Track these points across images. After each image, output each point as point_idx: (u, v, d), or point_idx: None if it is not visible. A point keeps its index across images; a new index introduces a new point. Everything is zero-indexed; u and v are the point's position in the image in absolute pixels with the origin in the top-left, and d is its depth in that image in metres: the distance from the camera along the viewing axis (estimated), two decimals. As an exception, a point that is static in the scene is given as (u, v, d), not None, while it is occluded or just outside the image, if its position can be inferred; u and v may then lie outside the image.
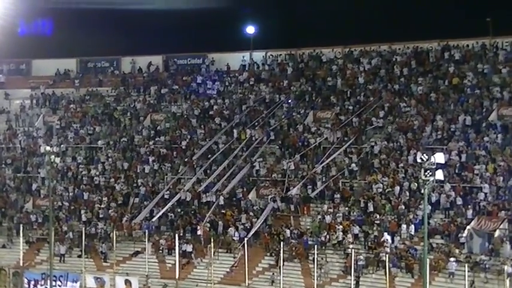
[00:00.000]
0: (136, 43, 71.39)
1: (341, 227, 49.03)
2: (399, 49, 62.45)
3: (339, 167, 53.97)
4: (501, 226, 45.31)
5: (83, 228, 53.84)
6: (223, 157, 57.99)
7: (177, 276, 49.54)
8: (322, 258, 47.79)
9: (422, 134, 53.59)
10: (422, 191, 39.78)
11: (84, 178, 60.41)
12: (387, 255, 45.27)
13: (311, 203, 52.60)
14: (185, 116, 63.91)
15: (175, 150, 60.29)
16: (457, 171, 49.84)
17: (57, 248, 53.70)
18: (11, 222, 58.20)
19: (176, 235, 50.65)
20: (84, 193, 58.75)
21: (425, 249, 38.81)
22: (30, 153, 64.11)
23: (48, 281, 49.56)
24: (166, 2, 68.28)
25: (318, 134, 57.30)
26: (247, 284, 48.12)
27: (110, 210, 56.30)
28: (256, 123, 60.36)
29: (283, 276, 47.17)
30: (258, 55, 67.86)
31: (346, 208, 50.57)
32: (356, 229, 48.81)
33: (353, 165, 53.56)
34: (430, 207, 46.48)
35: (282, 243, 48.13)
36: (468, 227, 45.78)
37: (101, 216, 56.24)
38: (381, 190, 50.45)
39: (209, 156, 58.37)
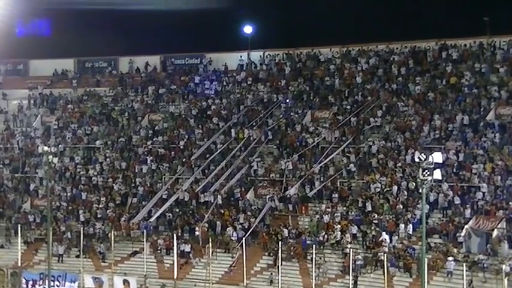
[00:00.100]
0: (134, 43, 71.35)
1: (339, 226, 49.04)
2: (397, 49, 62.46)
3: (337, 166, 53.96)
4: (499, 225, 45.30)
5: (81, 228, 53.81)
6: (221, 157, 57.95)
7: (175, 276, 49.45)
8: (320, 258, 47.80)
9: (420, 134, 53.56)
10: (420, 191, 39.89)
11: (82, 178, 60.39)
12: (385, 255, 45.21)
13: (309, 203, 52.58)
14: (183, 116, 63.88)
15: (173, 150, 60.25)
16: (455, 170, 49.84)
17: (55, 248, 53.72)
18: (9, 222, 58.12)
19: (174, 235, 50.56)
20: (82, 193, 58.72)
21: (423, 249, 38.82)
22: (28, 154, 64.06)
23: (47, 281, 49.62)
24: (164, 2, 68.13)
25: (315, 133, 57.28)
26: (245, 284, 48.04)
27: (108, 210, 56.28)
28: (254, 123, 60.33)
29: (281, 276, 47.03)
30: (256, 55, 67.82)
31: (344, 208, 50.58)
32: (354, 229, 48.81)
33: (351, 164, 53.56)
34: (428, 207, 46.49)
35: (280, 243, 48.07)
36: (466, 226, 45.76)
37: (99, 216, 56.24)
38: (379, 190, 50.47)
39: (207, 156, 58.30)
